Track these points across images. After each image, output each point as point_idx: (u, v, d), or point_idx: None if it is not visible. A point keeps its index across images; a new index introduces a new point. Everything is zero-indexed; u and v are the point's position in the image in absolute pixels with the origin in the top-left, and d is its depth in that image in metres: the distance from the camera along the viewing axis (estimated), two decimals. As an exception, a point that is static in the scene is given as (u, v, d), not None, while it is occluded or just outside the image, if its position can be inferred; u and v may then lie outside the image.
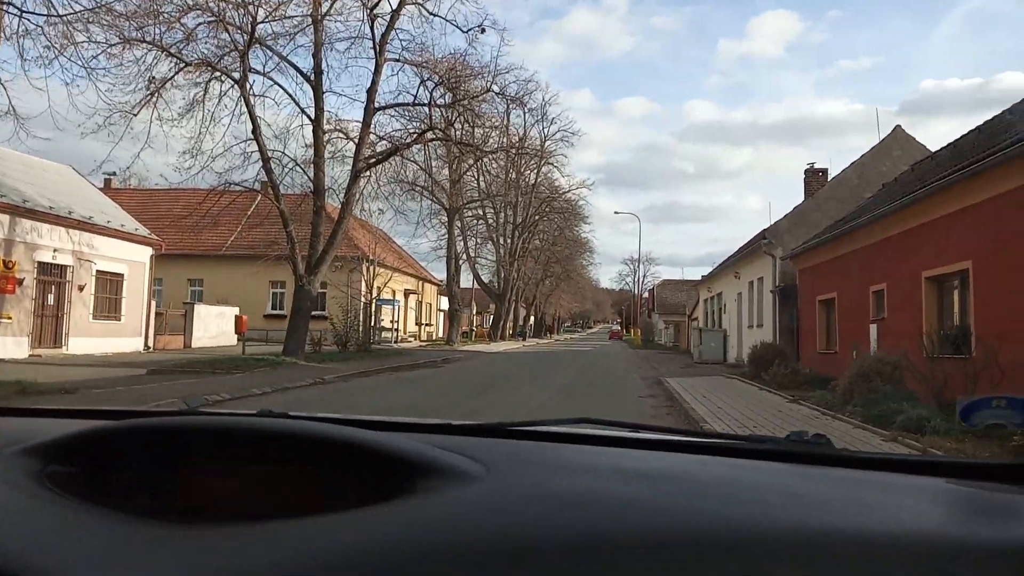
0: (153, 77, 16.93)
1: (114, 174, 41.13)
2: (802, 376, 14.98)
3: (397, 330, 38.17)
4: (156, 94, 16.43)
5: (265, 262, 23.17)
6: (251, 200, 40.09)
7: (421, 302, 48.37)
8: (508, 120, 39.71)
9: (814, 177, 26.14)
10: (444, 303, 55.41)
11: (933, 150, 18.62)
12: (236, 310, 30.82)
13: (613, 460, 1.07)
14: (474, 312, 66.58)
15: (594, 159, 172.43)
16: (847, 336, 15.39)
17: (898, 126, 20.42)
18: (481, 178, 46.85)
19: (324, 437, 0.95)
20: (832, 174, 25.07)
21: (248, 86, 17.47)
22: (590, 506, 0.82)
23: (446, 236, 39.66)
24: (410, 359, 24.50)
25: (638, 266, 79.11)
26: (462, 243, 46.08)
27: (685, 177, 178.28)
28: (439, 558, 0.72)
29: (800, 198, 24.35)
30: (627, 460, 1.07)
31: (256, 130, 17.69)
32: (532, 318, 75.77)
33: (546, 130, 48.65)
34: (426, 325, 49.39)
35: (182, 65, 16.56)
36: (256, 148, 17.99)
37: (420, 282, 47.39)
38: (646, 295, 76.12)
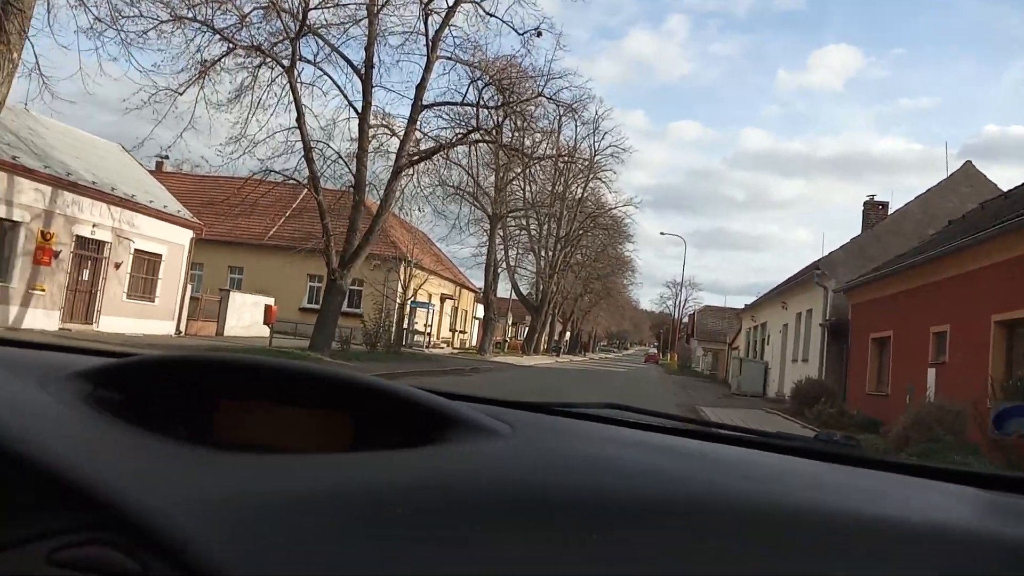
0: (204, 59, 16.73)
1: (167, 157, 41.73)
2: (849, 417, 14.02)
3: (430, 334, 37.73)
4: (204, 75, 16.20)
5: (300, 253, 22.83)
6: (296, 192, 40.35)
7: (457, 308, 47.94)
8: (559, 128, 39.25)
9: (873, 210, 25.04)
10: (480, 311, 54.95)
11: (1005, 189, 17.55)
12: (271, 300, 30.74)
13: (638, 437, 1.09)
14: (509, 323, 66.00)
15: (644, 180, 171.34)
16: (901, 378, 14.39)
17: (968, 162, 19.34)
18: (527, 187, 46.38)
19: (360, 383, 0.98)
20: (892, 208, 23.99)
21: (296, 74, 17.17)
22: (612, 468, 0.83)
23: (487, 243, 39.11)
24: (438, 365, 23.97)
25: (680, 290, 77.76)
26: (503, 252, 45.57)
27: (734, 204, 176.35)
28: (462, 502, 0.74)
29: (856, 231, 23.30)
30: (652, 439, 1.09)
31: (300, 118, 17.36)
32: (568, 334, 74.91)
33: (597, 144, 48.01)
34: (460, 332, 48.92)
35: (232, 47, 16.32)
36: (299, 137, 17.63)
37: (457, 288, 46.98)
38: (686, 320, 74.68)
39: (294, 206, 39.54)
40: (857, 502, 0.81)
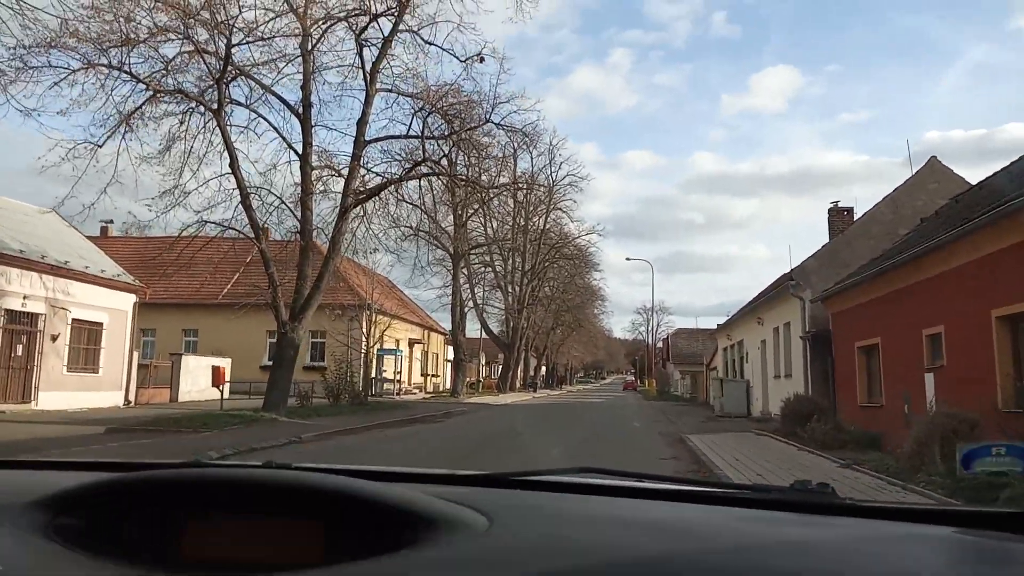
0: (125, 110, 15.60)
1: (111, 221, 40.26)
2: (846, 434, 13.06)
3: (399, 381, 36.33)
4: (126, 124, 15.06)
5: (254, 309, 21.52)
6: (249, 246, 39.04)
7: (427, 352, 46.61)
8: (515, 157, 38.55)
9: (839, 216, 24.50)
10: (451, 353, 53.65)
11: (972, 182, 17.00)
12: (228, 361, 29.23)
13: (617, 510, 1.07)
14: (483, 362, 64.65)
15: (601, 210, 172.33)
16: (895, 386, 13.50)
17: (933, 157, 18.78)
18: (488, 223, 45.54)
19: (328, 489, 0.95)
20: (858, 214, 23.45)
21: (226, 116, 16.12)
22: (592, 559, 0.81)
23: (451, 283, 38.03)
24: (408, 412, 22.68)
25: (651, 314, 77.16)
26: (468, 290, 44.52)
27: (692, 227, 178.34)
28: None
29: (818, 241, 22.63)
30: (631, 510, 1.07)
31: (234, 163, 16.25)
32: (543, 368, 73.69)
33: (555, 174, 47.52)
34: (432, 376, 47.52)
35: (153, 93, 15.23)
36: (234, 184, 16.50)
37: (425, 331, 45.72)
38: (660, 345, 73.91)
39: (247, 261, 38.25)
40: (840, 563, 0.82)
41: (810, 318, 18.47)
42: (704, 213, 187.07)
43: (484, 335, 51.39)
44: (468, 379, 48.45)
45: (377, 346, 35.13)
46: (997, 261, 9.69)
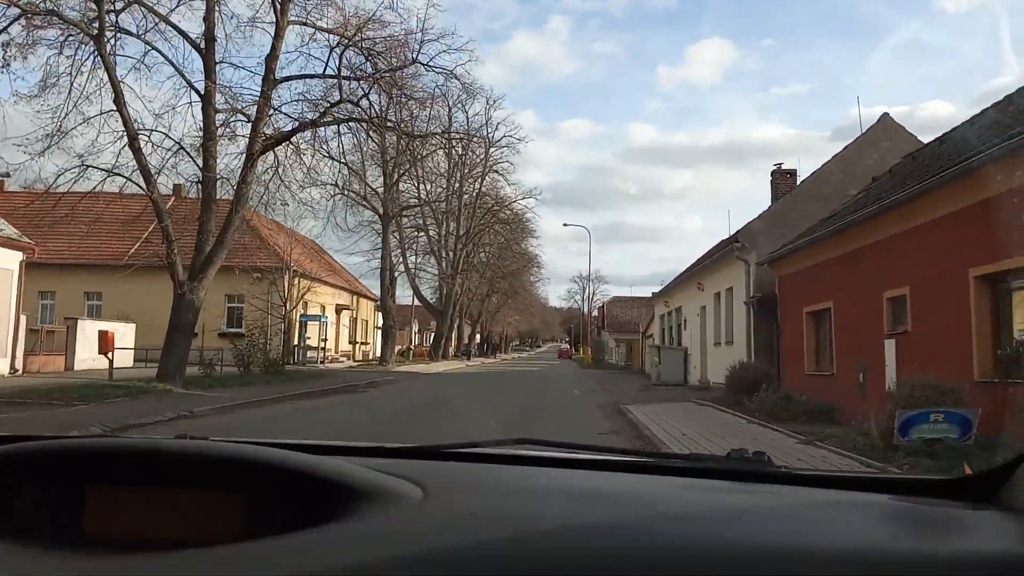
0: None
1: (7, 175, 36.84)
2: (797, 404, 12.08)
3: (325, 349, 34.43)
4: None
5: (145, 271, 19.46)
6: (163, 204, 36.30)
7: (356, 318, 44.63)
8: (450, 112, 36.67)
9: (783, 179, 23.69)
10: (382, 320, 51.86)
11: (924, 141, 16.23)
12: (131, 327, 26.91)
13: (556, 481, 1.05)
14: (415, 330, 62.97)
15: (539, 179, 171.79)
16: (849, 354, 12.58)
17: (885, 114, 17.90)
18: (421, 186, 43.65)
19: (248, 459, 0.91)
20: (801, 177, 22.65)
21: (108, 43, 13.94)
22: (533, 528, 0.79)
23: (381, 246, 36.14)
24: (329, 382, 21.02)
25: (588, 282, 76.53)
26: (400, 255, 42.68)
27: (629, 198, 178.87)
28: None
29: (756, 212, 21.65)
30: (570, 481, 1.06)
31: (119, 99, 14.10)
32: (478, 336, 72.46)
33: (491, 135, 45.74)
34: (362, 344, 45.59)
35: (19, 13, 12.97)
36: (121, 124, 14.37)
37: (355, 297, 43.68)
38: (596, 313, 73.50)
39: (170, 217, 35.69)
40: (779, 531, 0.82)
41: (755, 282, 17.54)
42: (640, 183, 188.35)
43: (417, 302, 49.65)
44: (399, 347, 46.76)
45: (299, 312, 33.19)
46: (977, 214, 8.65)
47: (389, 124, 17.64)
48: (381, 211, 34.51)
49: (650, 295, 43.74)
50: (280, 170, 16.87)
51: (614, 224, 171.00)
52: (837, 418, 11.30)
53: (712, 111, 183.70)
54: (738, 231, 18.28)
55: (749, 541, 0.77)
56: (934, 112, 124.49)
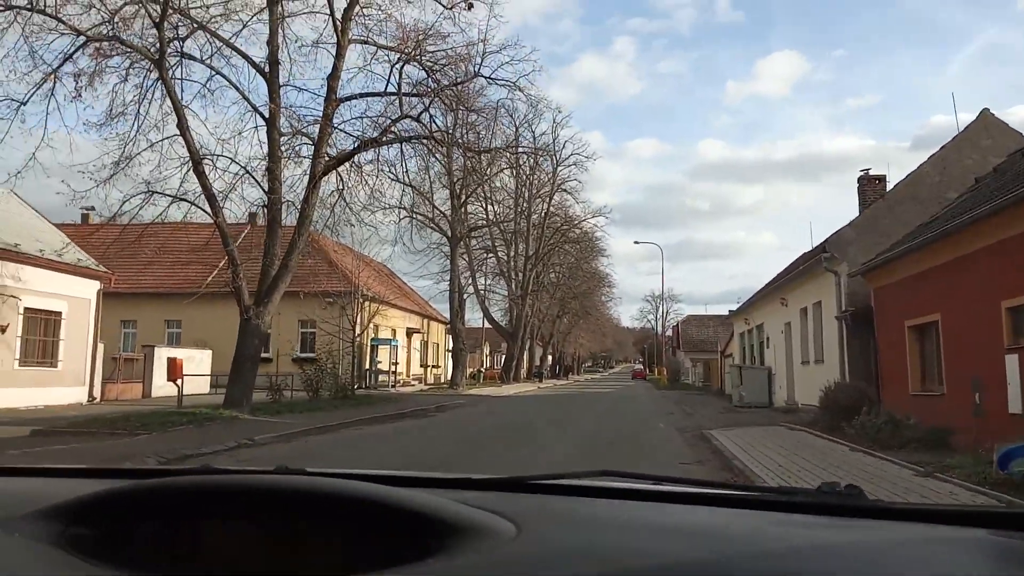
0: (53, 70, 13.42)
1: (92, 208, 38.22)
2: (906, 429, 10.84)
3: (395, 372, 34.22)
4: (54, 77, 12.92)
5: (209, 297, 19.39)
6: (238, 232, 36.99)
7: (427, 342, 44.47)
8: (516, 127, 36.26)
9: (870, 185, 22.23)
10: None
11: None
12: (207, 354, 27.21)
13: (643, 515, 1.06)
14: (486, 352, 62.61)
15: (607, 199, 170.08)
16: (961, 372, 11.28)
17: (986, 110, 16.40)
18: (489, 206, 43.35)
19: (347, 495, 0.92)
20: (891, 184, 21.18)
21: (170, 67, 13.91)
22: (626, 565, 0.80)
23: (449, 268, 35.85)
24: (397, 406, 20.59)
25: (662, 300, 74.78)
26: (469, 277, 42.36)
27: (698, 215, 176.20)
28: None
29: (832, 227, 20.24)
30: (658, 515, 1.06)
31: (182, 123, 14.06)
32: (550, 358, 71.56)
33: (558, 153, 45.18)
34: (433, 367, 45.39)
35: (83, 41, 13.07)
36: (185, 149, 14.30)
37: (425, 320, 43.53)
38: (669, 332, 71.58)
39: (236, 245, 36.34)
40: (869, 566, 0.80)
41: (847, 295, 16.23)
42: (710, 200, 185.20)
43: (487, 324, 49.21)
44: (470, 369, 46.37)
45: (369, 335, 33.09)
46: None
47: (452, 140, 17.15)
48: (449, 233, 34.20)
49: (727, 313, 42.16)
50: (344, 191, 16.58)
51: (684, 242, 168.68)
52: (952, 444, 10.04)
53: (783, 125, 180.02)
54: (826, 240, 17.03)
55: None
56: (1020, 115, 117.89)
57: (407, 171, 18.49)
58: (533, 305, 49.62)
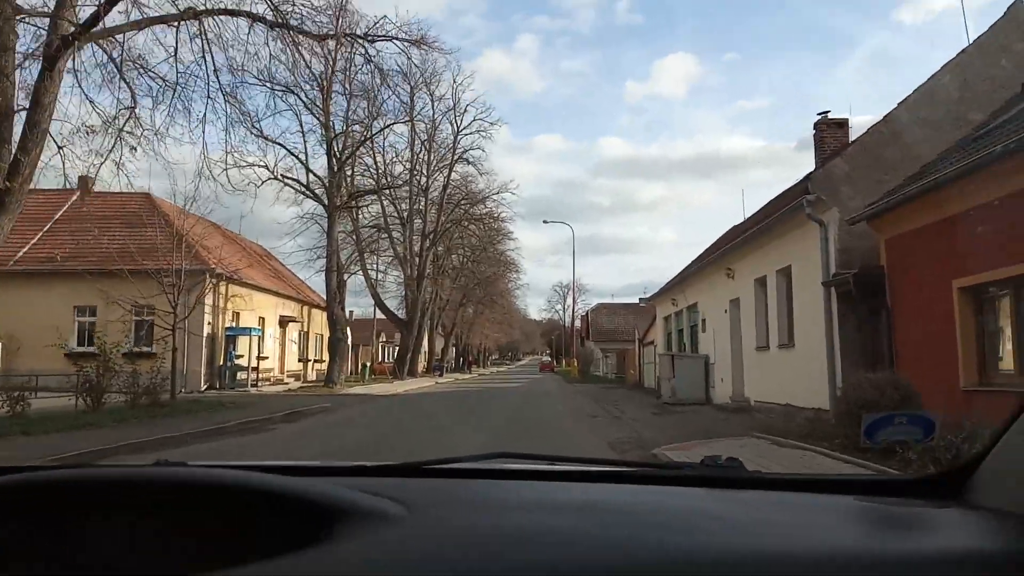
0: None
1: None
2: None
3: (258, 369, 28.25)
4: None
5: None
6: (64, 199, 30.06)
7: (307, 332, 38.30)
8: (411, 88, 30.96)
9: (830, 133, 18.26)
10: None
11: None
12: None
13: (538, 494, 1.06)
14: (382, 343, 56.87)
15: (514, 195, 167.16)
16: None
17: (1018, 2, 12.30)
18: (377, 158, 37.57)
19: (231, 484, 0.90)
20: (853, 130, 17.19)
21: None
22: (520, 542, 0.80)
23: (324, 243, 30.10)
24: (228, 417, 15.04)
25: (572, 285, 70.61)
26: (356, 253, 36.69)
27: (602, 210, 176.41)
28: None
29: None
30: (552, 493, 1.07)
31: None
32: (453, 350, 66.35)
33: (459, 119, 39.94)
34: (316, 361, 39.24)
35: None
36: None
37: (305, 308, 37.32)
38: (579, 323, 67.63)
39: (56, 216, 29.41)
40: (758, 535, 0.83)
41: (838, 252, 11.81)
42: (613, 196, 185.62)
43: (380, 314, 43.48)
44: (344, 364, 40.54)
45: (224, 324, 27.01)
46: None
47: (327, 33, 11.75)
48: (326, 200, 28.49)
49: (637, 300, 38.30)
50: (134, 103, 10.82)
51: (589, 237, 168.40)
52: None
53: (681, 124, 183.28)
54: (807, 177, 12.56)
55: (720, 547, 0.78)
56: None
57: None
58: (433, 291, 44.23)
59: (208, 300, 26.04)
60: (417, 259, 39.68)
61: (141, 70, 11.42)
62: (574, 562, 0.73)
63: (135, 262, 21.69)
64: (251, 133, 19.78)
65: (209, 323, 26.24)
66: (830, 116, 18.54)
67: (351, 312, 56.79)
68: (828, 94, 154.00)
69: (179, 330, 20.57)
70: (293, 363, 36.35)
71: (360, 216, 37.54)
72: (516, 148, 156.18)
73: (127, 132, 11.41)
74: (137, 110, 11.67)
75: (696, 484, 1.11)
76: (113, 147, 11.78)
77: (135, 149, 11.74)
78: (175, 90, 12.36)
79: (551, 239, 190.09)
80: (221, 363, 26.83)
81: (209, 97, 14.27)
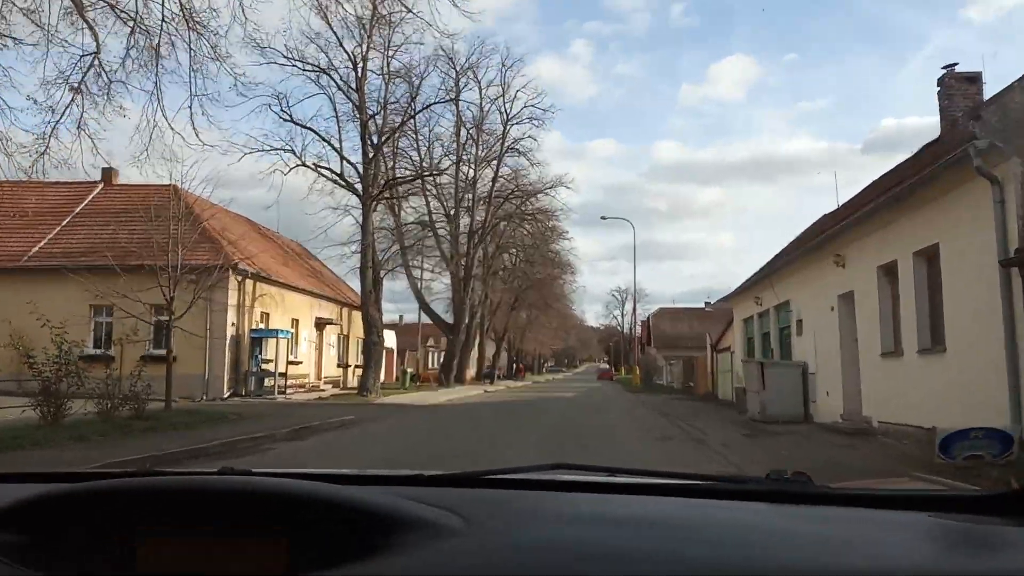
0: None
1: None
2: None
3: (286, 375, 25.68)
4: None
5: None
6: (84, 192, 28.22)
7: (346, 335, 35.78)
8: (456, 74, 28.26)
9: (959, 84, 14.95)
10: (391, 340, 43.17)
11: None
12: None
13: (594, 507, 1.04)
14: (427, 348, 54.31)
15: (568, 198, 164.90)
16: None
17: None
18: (420, 149, 34.89)
19: (293, 494, 0.90)
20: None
21: None
22: (576, 557, 0.79)
23: (359, 238, 27.42)
24: (222, 432, 12.31)
25: (634, 288, 67.00)
26: (397, 250, 34.08)
27: (658, 215, 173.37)
28: None
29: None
30: (609, 506, 1.04)
31: None
32: (505, 356, 63.31)
33: (509, 107, 36.98)
34: (356, 367, 36.67)
35: None
36: None
37: (344, 309, 34.81)
38: (638, 330, 63.95)
39: (76, 211, 27.48)
40: (822, 553, 0.81)
41: (1021, 220, 8.36)
42: (668, 201, 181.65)
43: (426, 318, 40.77)
44: (410, 370, 37.96)
45: (247, 326, 24.54)
46: None
47: None
48: (360, 190, 25.84)
49: (703, 304, 34.74)
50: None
51: (643, 243, 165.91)
52: None
53: (738, 127, 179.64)
54: (976, 111, 9.11)
55: (790, 565, 0.77)
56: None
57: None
58: (482, 293, 41.37)
59: (232, 299, 23.72)
60: (464, 258, 36.89)
61: None
62: None
63: (146, 256, 19.36)
64: (280, 118, 17.14)
65: (233, 324, 23.79)
66: (957, 70, 15.13)
67: (400, 316, 54.48)
68: (892, 92, 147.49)
69: (184, 332, 18.15)
70: (332, 368, 33.86)
71: (402, 212, 34.99)
72: (569, 152, 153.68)
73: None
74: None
75: (762, 499, 1.07)
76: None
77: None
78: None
79: (605, 245, 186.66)
80: (249, 368, 24.38)
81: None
